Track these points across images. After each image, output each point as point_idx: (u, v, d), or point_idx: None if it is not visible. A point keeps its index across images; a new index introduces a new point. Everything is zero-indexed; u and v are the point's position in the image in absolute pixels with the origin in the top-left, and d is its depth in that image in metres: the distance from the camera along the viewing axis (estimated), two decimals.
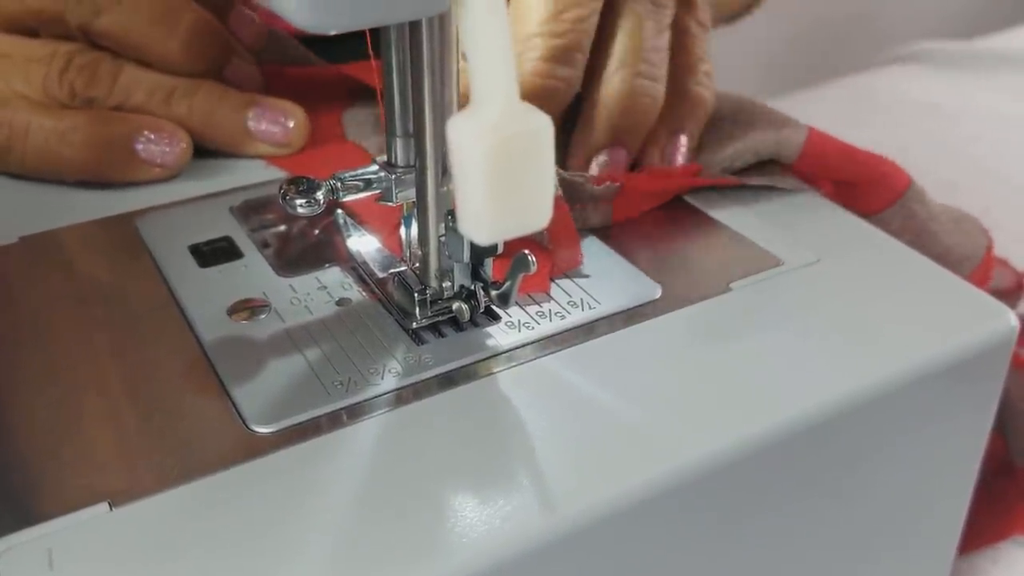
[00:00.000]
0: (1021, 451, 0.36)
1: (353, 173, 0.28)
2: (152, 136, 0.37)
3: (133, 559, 0.21)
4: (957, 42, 0.78)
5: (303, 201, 0.27)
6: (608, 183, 0.33)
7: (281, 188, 0.27)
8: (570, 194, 0.32)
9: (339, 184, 0.28)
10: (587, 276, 0.31)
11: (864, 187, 0.36)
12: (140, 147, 0.36)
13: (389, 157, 0.28)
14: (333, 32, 0.19)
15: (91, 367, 0.27)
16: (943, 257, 0.36)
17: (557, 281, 0.31)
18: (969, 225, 0.39)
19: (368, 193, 0.28)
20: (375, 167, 0.28)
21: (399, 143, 0.27)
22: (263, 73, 0.41)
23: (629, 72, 0.34)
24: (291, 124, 0.38)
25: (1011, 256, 0.52)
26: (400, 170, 0.28)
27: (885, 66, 0.78)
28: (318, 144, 0.39)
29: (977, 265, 0.38)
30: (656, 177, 0.34)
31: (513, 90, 0.20)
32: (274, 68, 0.43)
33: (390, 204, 0.28)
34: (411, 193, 0.28)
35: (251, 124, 0.38)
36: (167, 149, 0.37)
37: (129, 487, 0.23)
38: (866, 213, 0.36)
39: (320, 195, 0.27)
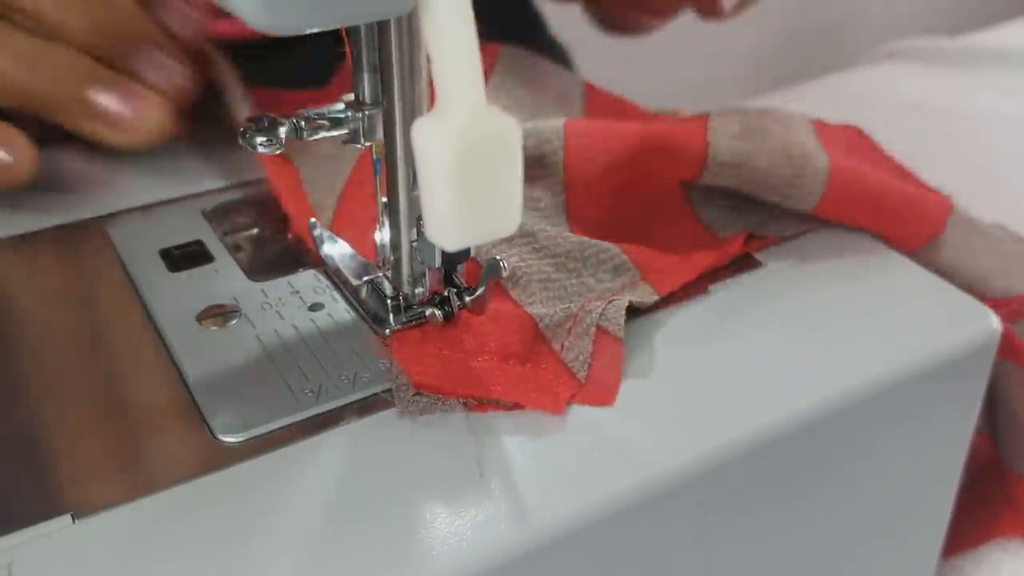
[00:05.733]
0: (1015, 456, 0.36)
1: (318, 111, 0.26)
2: None
3: (96, 573, 0.21)
4: (944, 39, 0.78)
5: (264, 139, 0.25)
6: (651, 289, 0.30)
7: (241, 127, 0.25)
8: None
9: (303, 123, 0.25)
10: None
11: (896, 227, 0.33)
12: None
13: (356, 95, 0.26)
14: (289, 33, 0.18)
15: (56, 374, 0.26)
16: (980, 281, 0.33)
17: None
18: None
19: (335, 133, 0.26)
20: (341, 105, 0.26)
21: (367, 78, 0.25)
22: (257, 98, 0.36)
23: None
24: (144, 113, 0.33)
25: None
26: (368, 108, 0.25)
27: (872, 63, 0.78)
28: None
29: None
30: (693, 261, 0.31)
31: (480, 93, 0.20)
32: (271, 92, 0.37)
33: (358, 146, 0.26)
34: (380, 134, 0.26)
35: (92, 93, 0.31)
36: None
37: (93, 498, 0.23)
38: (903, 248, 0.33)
39: (282, 132, 0.25)
